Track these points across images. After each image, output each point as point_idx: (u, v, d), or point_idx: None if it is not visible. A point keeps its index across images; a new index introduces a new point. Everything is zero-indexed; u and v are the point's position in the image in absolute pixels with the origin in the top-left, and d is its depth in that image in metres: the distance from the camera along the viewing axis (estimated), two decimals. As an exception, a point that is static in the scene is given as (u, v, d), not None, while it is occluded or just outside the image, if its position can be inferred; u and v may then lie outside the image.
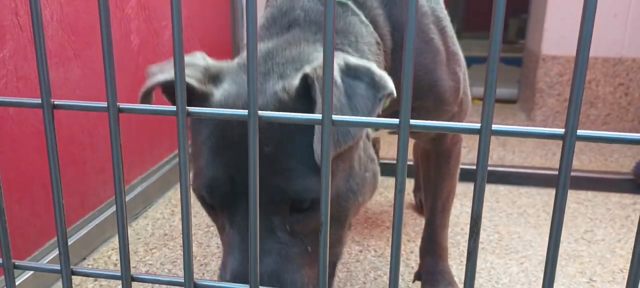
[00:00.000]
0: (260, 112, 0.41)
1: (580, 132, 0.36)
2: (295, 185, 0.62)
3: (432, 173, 1.02)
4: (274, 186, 0.62)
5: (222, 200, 0.65)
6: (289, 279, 0.64)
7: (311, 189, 0.62)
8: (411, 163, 1.64)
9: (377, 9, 0.81)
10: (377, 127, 0.40)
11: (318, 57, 0.68)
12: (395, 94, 0.63)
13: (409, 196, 1.60)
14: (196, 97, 0.67)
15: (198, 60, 0.71)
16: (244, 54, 0.70)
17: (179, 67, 0.40)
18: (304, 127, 0.63)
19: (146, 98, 0.70)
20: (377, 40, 0.80)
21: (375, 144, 1.66)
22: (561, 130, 0.36)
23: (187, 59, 0.70)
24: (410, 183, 1.65)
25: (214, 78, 0.70)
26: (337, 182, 0.65)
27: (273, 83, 0.66)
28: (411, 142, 2.04)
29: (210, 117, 0.42)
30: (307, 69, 0.61)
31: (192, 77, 0.67)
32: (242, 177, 0.63)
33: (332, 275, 0.75)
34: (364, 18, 0.79)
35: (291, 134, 0.63)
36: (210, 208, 0.69)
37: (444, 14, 0.91)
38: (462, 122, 0.95)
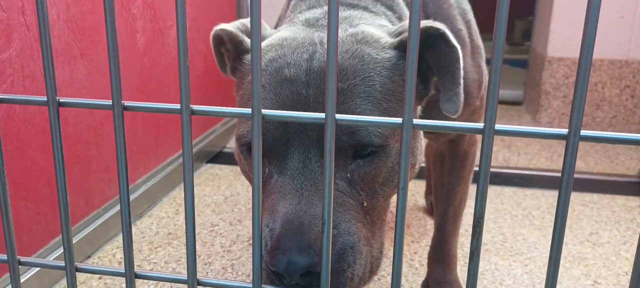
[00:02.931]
0: (264, 110, 0.41)
1: (583, 132, 0.36)
2: (365, 128, 0.60)
3: (445, 178, 0.99)
4: (341, 127, 0.59)
5: (273, 145, 0.61)
6: (345, 228, 0.60)
7: (380, 134, 0.60)
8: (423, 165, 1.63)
9: None
10: (381, 126, 0.40)
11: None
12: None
13: (418, 199, 1.60)
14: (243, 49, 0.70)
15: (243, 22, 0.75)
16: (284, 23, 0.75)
17: (184, 67, 0.40)
18: (385, 66, 0.62)
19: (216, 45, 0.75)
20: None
21: None
22: (564, 130, 0.36)
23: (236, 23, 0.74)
24: (422, 186, 1.65)
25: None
26: (399, 145, 0.65)
27: (343, 30, 0.67)
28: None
29: (215, 116, 0.42)
30: (428, 23, 0.63)
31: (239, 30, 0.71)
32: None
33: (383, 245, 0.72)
34: None
35: (368, 72, 0.61)
36: None
37: (468, 7, 0.91)
38: (481, 118, 0.94)
